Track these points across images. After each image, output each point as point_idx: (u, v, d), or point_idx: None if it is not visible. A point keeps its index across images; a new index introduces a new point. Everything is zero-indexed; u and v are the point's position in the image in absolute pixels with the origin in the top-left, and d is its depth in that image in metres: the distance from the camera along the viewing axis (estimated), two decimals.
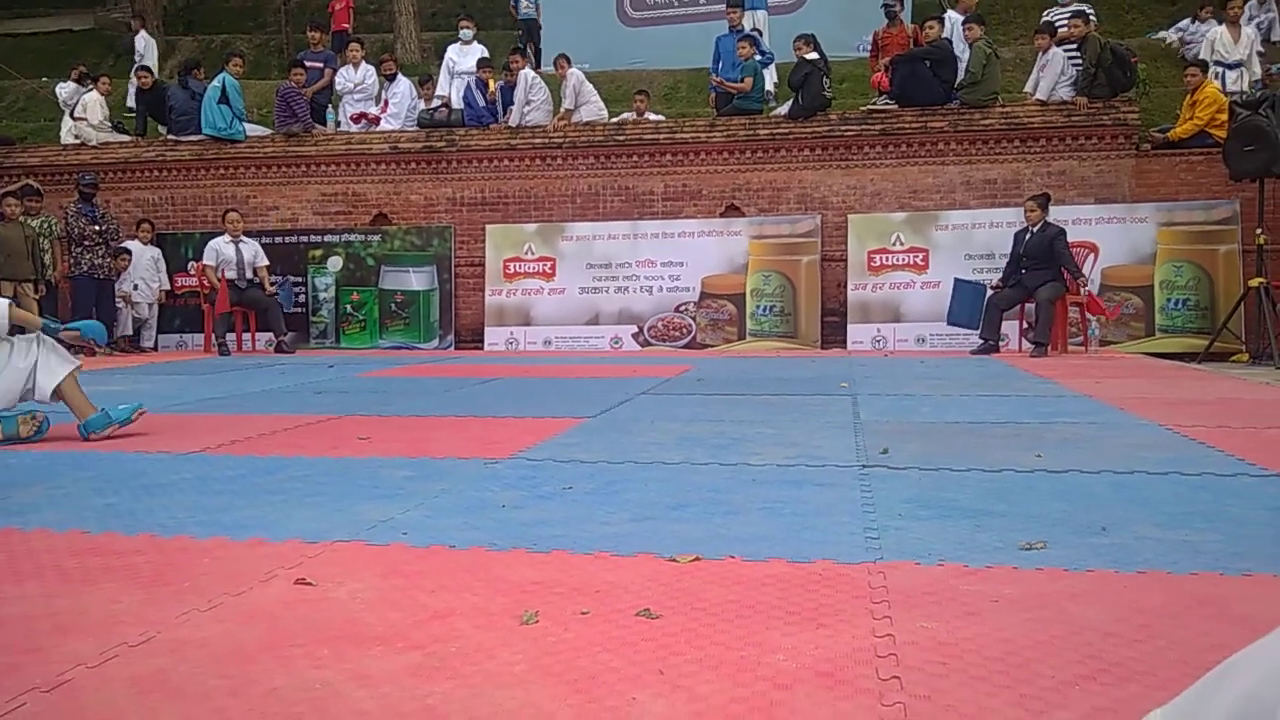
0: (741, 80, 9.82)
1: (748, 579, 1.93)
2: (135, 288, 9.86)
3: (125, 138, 11.20)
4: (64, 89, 12.13)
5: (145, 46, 13.42)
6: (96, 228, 9.40)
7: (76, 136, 11.11)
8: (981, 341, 8.23)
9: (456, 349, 9.95)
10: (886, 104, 9.56)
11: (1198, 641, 1.57)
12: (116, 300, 9.63)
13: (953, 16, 10.21)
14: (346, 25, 13.73)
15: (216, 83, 10.43)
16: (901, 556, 2.07)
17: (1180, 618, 1.70)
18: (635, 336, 9.61)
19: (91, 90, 11.36)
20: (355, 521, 2.43)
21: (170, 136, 10.79)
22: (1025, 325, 8.40)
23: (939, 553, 2.09)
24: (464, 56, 11.06)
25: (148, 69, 11.85)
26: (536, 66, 11.13)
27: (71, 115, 11.32)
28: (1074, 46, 9.26)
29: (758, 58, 10.10)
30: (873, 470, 3.02)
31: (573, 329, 9.70)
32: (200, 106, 10.46)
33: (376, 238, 10.15)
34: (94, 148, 10.87)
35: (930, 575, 1.94)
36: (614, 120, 10.30)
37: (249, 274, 9.48)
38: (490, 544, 2.21)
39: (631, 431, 3.93)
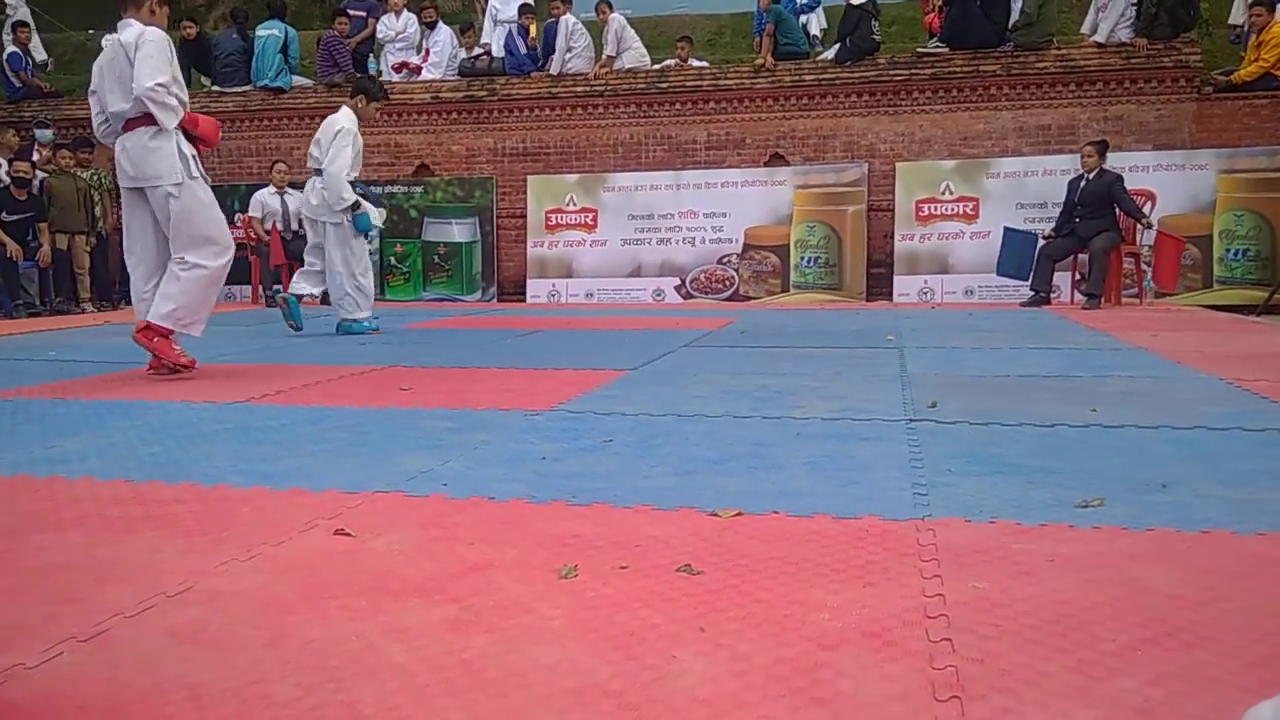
0: (764, 29, 9.57)
1: (792, 535, 1.88)
2: None
3: None
4: (109, 39, 12.18)
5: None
6: None
7: None
8: (1032, 293, 8.03)
9: (499, 301, 9.95)
10: (937, 47, 9.28)
11: (1266, 605, 1.50)
12: None
13: None
14: None
15: (278, 31, 10.39)
16: (951, 513, 2.00)
17: (1247, 579, 1.62)
18: (677, 289, 9.53)
19: None
20: (395, 472, 2.42)
21: (215, 88, 10.81)
22: (1078, 276, 8.18)
23: (990, 509, 2.02)
24: (506, 3, 10.90)
25: (193, 19, 11.84)
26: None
27: None
28: None
29: (803, 0, 9.84)
30: (920, 424, 2.95)
31: (614, 281, 9.64)
32: (250, 56, 10.46)
33: (419, 189, 10.13)
34: None
35: (981, 533, 1.88)
36: (656, 67, 10.13)
37: (294, 225, 9.52)
38: (530, 496, 2.19)
39: (673, 384, 3.88)
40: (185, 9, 15.51)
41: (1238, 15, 9.42)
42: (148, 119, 4.08)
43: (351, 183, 6.06)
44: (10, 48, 11.37)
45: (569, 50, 10.09)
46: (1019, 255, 8.35)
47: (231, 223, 10.29)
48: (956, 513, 2.01)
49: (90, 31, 15.50)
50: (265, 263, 9.51)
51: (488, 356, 5.04)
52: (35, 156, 9.31)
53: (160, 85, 4.01)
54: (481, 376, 4.30)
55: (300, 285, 6.37)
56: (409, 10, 10.93)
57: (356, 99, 6.31)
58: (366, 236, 6.23)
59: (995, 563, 1.71)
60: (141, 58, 3.99)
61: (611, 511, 2.07)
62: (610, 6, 10.39)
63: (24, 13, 13.24)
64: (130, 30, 4.08)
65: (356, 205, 6.04)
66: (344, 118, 6.15)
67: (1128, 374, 4.01)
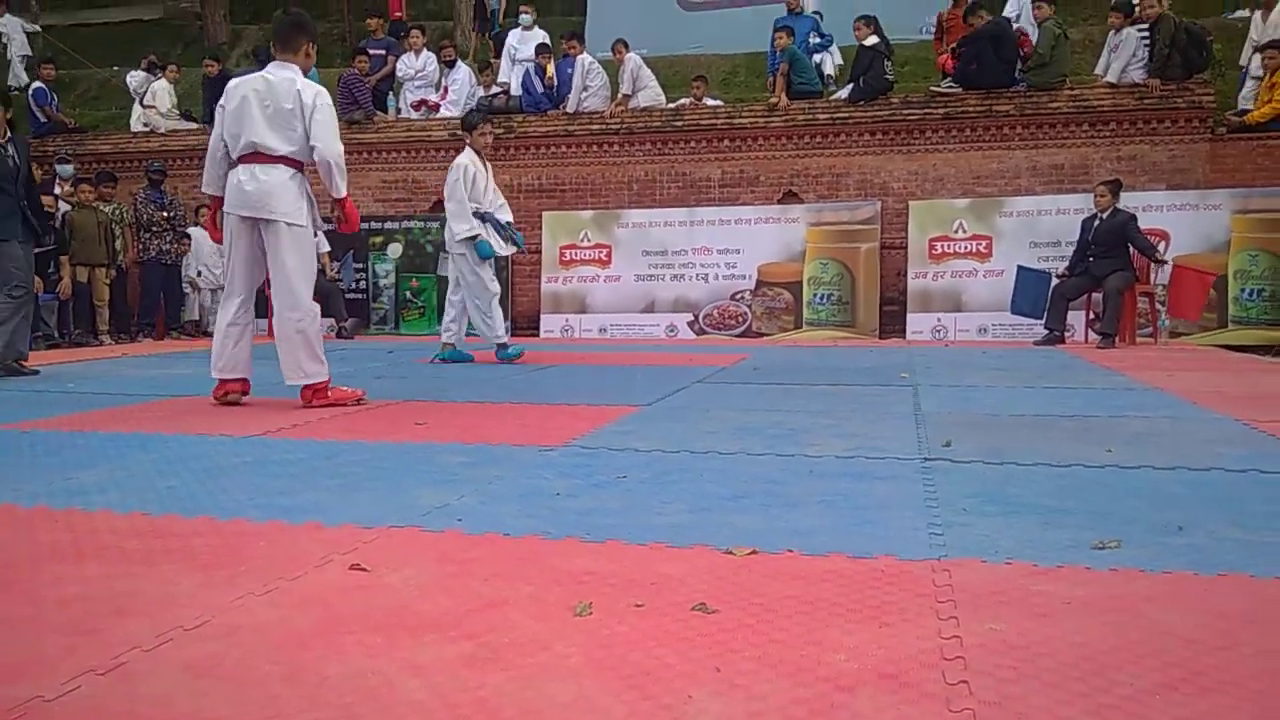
0: (778, 69, 9.67)
1: (807, 574, 1.88)
2: (199, 273, 10.07)
3: (193, 125, 11.43)
4: (134, 78, 12.41)
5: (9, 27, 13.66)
6: (165, 214, 9.61)
7: (146, 124, 11.37)
8: (1046, 332, 8.02)
9: (513, 336, 9.98)
10: (950, 87, 9.35)
11: None
12: (183, 285, 9.85)
13: None
14: (400, 14, 13.88)
15: None
16: (967, 554, 1.99)
17: (1266, 624, 1.60)
18: (691, 325, 9.56)
19: (160, 79, 11.61)
20: (411, 507, 2.43)
21: None
22: (1092, 315, 8.17)
23: (1006, 550, 2.02)
24: (525, 43, 11.06)
25: (217, 58, 12.06)
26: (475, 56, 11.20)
27: (141, 103, 11.59)
28: (1146, 27, 8.95)
29: (816, 40, 9.95)
30: (935, 463, 2.94)
31: (628, 317, 9.68)
32: None
33: (436, 224, 10.22)
34: (162, 135, 11.12)
35: (998, 574, 1.87)
36: (671, 106, 10.23)
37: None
38: (544, 532, 2.19)
39: (687, 420, 3.88)
40: (209, 48, 15.81)
41: (1247, 56, 9.47)
42: (288, 161, 4.20)
43: (478, 213, 6.38)
44: (36, 84, 11.59)
45: (585, 89, 10.22)
46: (1033, 294, 8.35)
47: None
48: (972, 553, 2.00)
49: (114, 68, 15.78)
50: None
51: (502, 391, 5.05)
52: (57, 190, 9.45)
53: (342, 154, 4.24)
54: (496, 411, 4.32)
55: (449, 331, 6.74)
56: (428, 49, 11.10)
57: (465, 136, 6.65)
58: (490, 262, 6.54)
59: (1012, 604, 1.70)
60: (323, 120, 4.18)
61: (626, 548, 2.07)
62: (626, 46, 10.52)
63: (20, 42, 13.57)
64: (302, 82, 4.21)
65: (474, 236, 6.36)
66: (461, 157, 6.50)
67: (1143, 414, 3.99)
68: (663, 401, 4.48)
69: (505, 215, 6.62)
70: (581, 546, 2.09)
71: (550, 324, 9.91)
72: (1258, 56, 9.16)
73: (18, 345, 6.05)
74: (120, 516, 2.37)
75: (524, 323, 10.14)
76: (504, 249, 6.59)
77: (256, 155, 4.21)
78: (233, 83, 4.38)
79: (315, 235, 4.41)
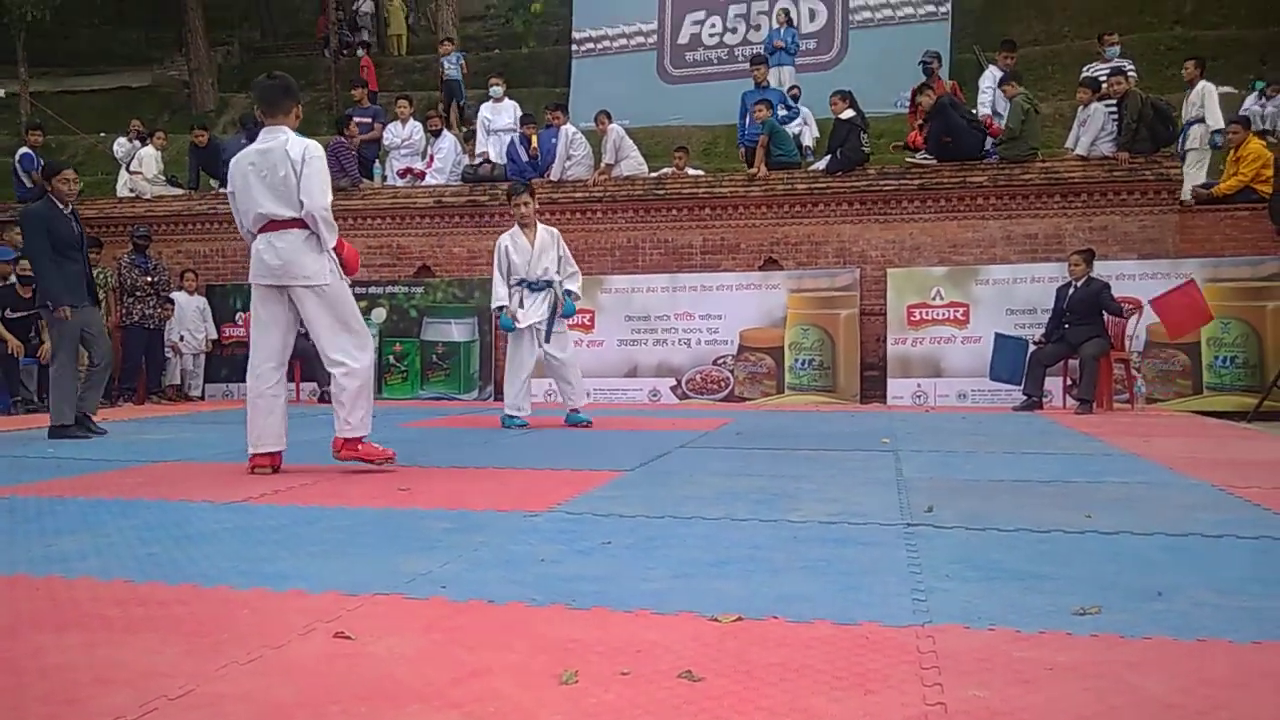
0: (759, 138, 9.89)
1: (792, 640, 1.89)
2: (181, 338, 10.05)
3: (179, 191, 11.51)
4: (120, 145, 12.52)
5: None
6: (149, 278, 9.62)
7: (132, 190, 11.44)
8: (1025, 398, 8.11)
9: (496, 400, 9.98)
10: (925, 159, 9.58)
11: (1266, 715, 1.51)
12: (165, 349, 9.82)
13: (994, 71, 10.27)
14: (373, 86, 14.25)
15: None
16: (950, 619, 2.01)
17: (1246, 689, 1.63)
18: (673, 389, 9.60)
19: (147, 145, 11.72)
20: (395, 574, 2.42)
21: (223, 190, 11.05)
22: (1069, 382, 8.27)
23: (989, 616, 2.03)
24: (497, 114, 11.28)
25: (204, 126, 12.20)
26: (457, 126, 11.42)
27: (128, 169, 11.68)
28: (1114, 102, 9.24)
29: (784, 112, 10.20)
30: (917, 529, 2.97)
31: (611, 381, 9.70)
32: None
33: (419, 289, 10.29)
34: (148, 200, 11.18)
35: (981, 640, 1.89)
36: (654, 175, 10.41)
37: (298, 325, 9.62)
38: (529, 599, 2.19)
39: (670, 485, 3.90)
40: (197, 116, 16.00)
41: (1195, 138, 9.79)
42: (299, 223, 4.23)
43: (523, 282, 6.63)
44: (23, 149, 11.67)
45: (569, 158, 10.39)
46: (1011, 360, 8.45)
47: (233, 320, 10.51)
48: (956, 619, 2.01)
49: (101, 135, 15.93)
50: None
51: (485, 456, 5.05)
52: None
53: (328, 207, 4.25)
54: (479, 476, 4.32)
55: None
56: (414, 119, 11.28)
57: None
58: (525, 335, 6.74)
59: (995, 670, 1.71)
60: (310, 174, 4.19)
61: (611, 615, 2.07)
62: (609, 117, 10.74)
63: None
64: (292, 141, 4.23)
65: (501, 308, 6.70)
66: (504, 234, 6.79)
67: (1121, 480, 4.04)
68: (646, 466, 4.49)
69: (571, 283, 6.74)
70: (567, 613, 2.09)
71: (533, 388, 9.89)
72: (1194, 130, 9.56)
73: (90, 405, 6.24)
74: (102, 584, 2.35)
75: None
76: (515, 323, 6.64)
77: (270, 224, 4.25)
78: (232, 164, 4.40)
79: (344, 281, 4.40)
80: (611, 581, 2.35)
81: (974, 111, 9.81)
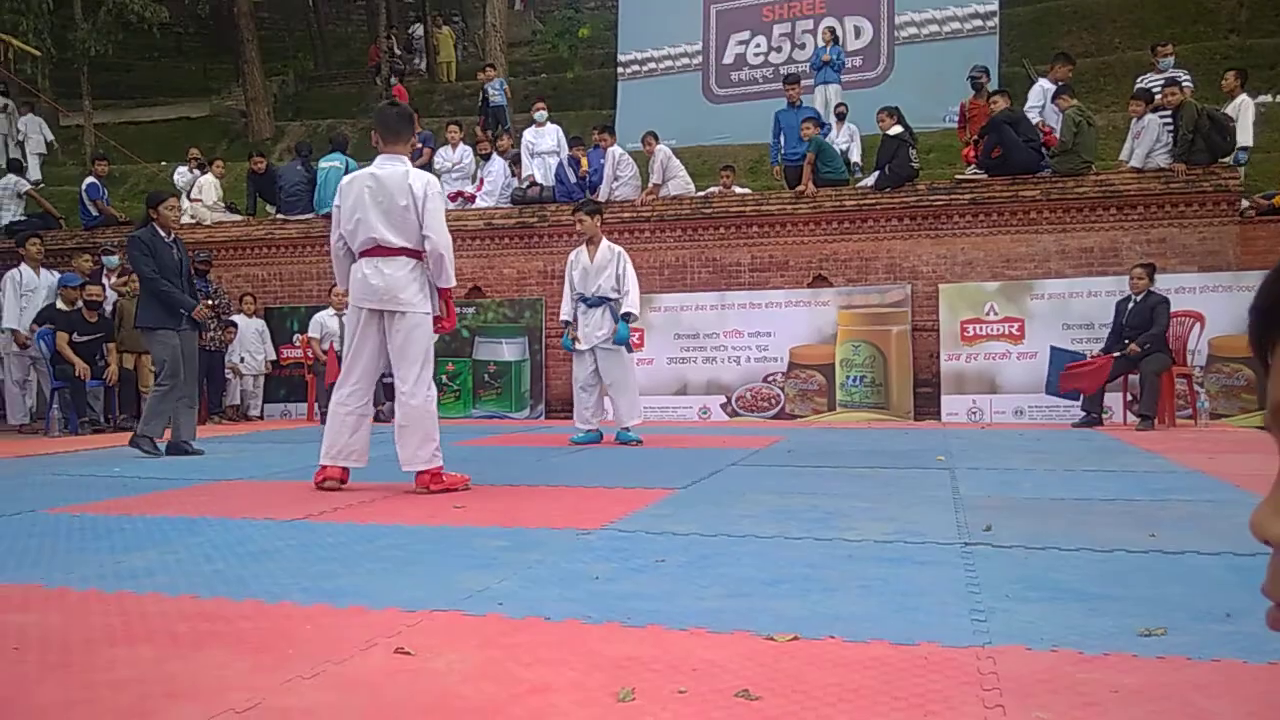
0: (806, 155, 9.87)
1: (849, 660, 1.88)
2: (242, 359, 10.28)
3: (237, 217, 11.80)
4: (181, 173, 12.87)
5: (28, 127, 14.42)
6: (210, 302, 9.86)
7: (192, 217, 11.74)
8: (1084, 414, 7.96)
9: (547, 418, 10.05)
10: (975, 173, 9.49)
11: None
12: (225, 371, 10.04)
13: (1044, 85, 10.15)
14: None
15: (339, 163, 10.91)
16: (1011, 640, 1.98)
17: None
18: (723, 407, 9.58)
19: (206, 173, 12.04)
20: (452, 591, 2.45)
21: (279, 215, 11.33)
22: (1130, 397, 8.10)
23: (1051, 637, 2.00)
24: (540, 137, 11.41)
25: (261, 154, 12.50)
26: (502, 151, 11.52)
27: (188, 196, 12.00)
28: (1169, 113, 9.07)
29: (820, 130, 10.18)
30: (976, 548, 2.93)
31: (661, 399, 9.72)
32: (313, 186, 10.97)
33: (471, 310, 10.41)
34: (208, 227, 11.47)
35: (1043, 661, 1.86)
36: (701, 194, 10.44)
37: None
38: (585, 616, 2.20)
39: (723, 503, 3.89)
40: (253, 144, 16.41)
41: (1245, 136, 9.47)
42: (408, 252, 4.33)
43: (583, 299, 6.85)
44: (89, 179, 12.05)
45: (616, 179, 10.47)
46: None
47: (290, 342, 10.72)
48: (1016, 640, 1.99)
49: (162, 164, 16.40)
50: (321, 381, 9.74)
51: (537, 474, 5.09)
52: (105, 281, 9.75)
53: (450, 245, 4.37)
54: (532, 494, 4.35)
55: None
56: (464, 143, 11.46)
57: None
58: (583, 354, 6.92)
59: (1059, 693, 1.68)
60: (434, 210, 4.31)
61: (666, 633, 2.08)
62: (656, 138, 10.81)
63: (37, 140, 14.30)
64: (413, 173, 4.34)
65: (565, 324, 6.98)
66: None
67: (1186, 498, 3.95)
68: (698, 484, 4.49)
69: (625, 303, 6.75)
70: (622, 631, 2.10)
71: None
72: None
73: (186, 432, 6.42)
74: (170, 599, 2.41)
75: (558, 405, 10.20)
76: (585, 344, 6.81)
77: (377, 249, 4.32)
78: (345, 180, 4.51)
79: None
80: (666, 599, 2.36)
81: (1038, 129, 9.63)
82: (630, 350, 6.95)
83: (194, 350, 6.55)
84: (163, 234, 6.38)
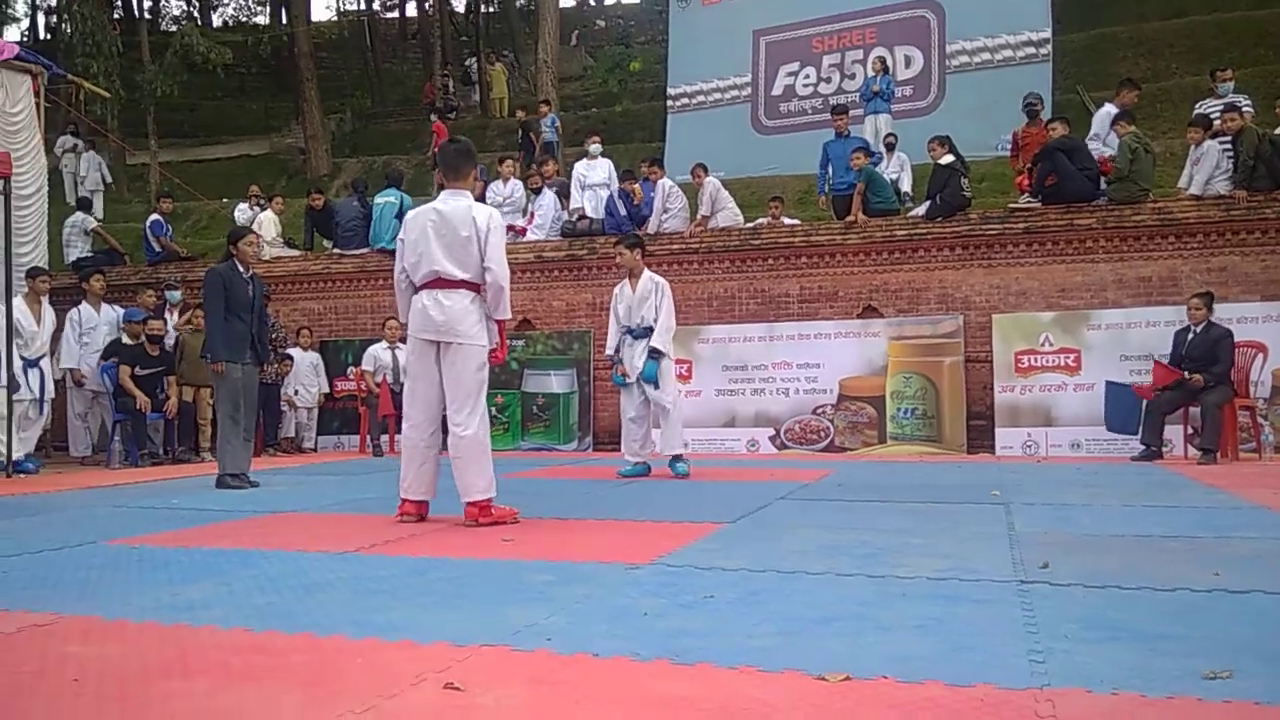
0: (856, 185, 9.84)
1: (903, 702, 1.84)
2: (296, 392, 10.46)
3: (295, 252, 12.06)
4: (241, 209, 13.21)
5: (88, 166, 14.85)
6: (268, 335, 10.07)
7: None
8: (1143, 448, 7.76)
9: (594, 450, 10.07)
10: (1029, 202, 9.37)
11: None
12: (281, 403, 10.23)
13: (1109, 109, 9.98)
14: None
15: (394, 198, 11.13)
16: (1070, 683, 1.93)
17: None
18: (772, 439, 9.52)
19: (266, 209, 12.35)
20: (501, 626, 2.46)
21: (335, 250, 11.56)
22: (1190, 430, 7.89)
23: (1112, 680, 1.94)
24: (592, 170, 11.53)
25: (319, 190, 12.78)
26: (548, 177, 11.64)
27: None
28: (1229, 139, 8.90)
29: (870, 160, 10.15)
30: (1033, 586, 2.86)
31: (709, 431, 9.68)
32: (369, 221, 11.20)
33: (520, 342, 10.50)
34: (267, 261, 11.72)
35: (1104, 705, 1.81)
36: (749, 225, 10.45)
37: (403, 378, 9.92)
38: (634, 653, 2.19)
39: (772, 538, 3.85)
40: (311, 180, 16.81)
41: None
42: (468, 284, 4.41)
43: (629, 330, 6.93)
44: (154, 216, 12.42)
45: (666, 210, 10.53)
46: (1125, 409, 8.12)
47: (344, 375, 10.89)
48: (1076, 682, 1.93)
49: (223, 200, 16.85)
50: (374, 414, 9.88)
51: (585, 507, 5.09)
52: (167, 316, 10.02)
53: (508, 278, 4.45)
54: (580, 528, 4.35)
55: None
56: (515, 177, 11.62)
57: None
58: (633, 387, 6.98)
59: None
60: (496, 243, 4.41)
61: (716, 672, 2.06)
62: (705, 170, 10.86)
63: (94, 179, 14.79)
64: (476, 207, 4.44)
65: (611, 359, 7.11)
66: None
67: (1251, 534, 3.83)
68: (747, 518, 4.46)
69: (655, 339, 6.75)
70: (672, 669, 2.08)
71: None
72: None
73: (241, 460, 6.52)
74: (224, 632, 2.45)
75: (606, 437, 10.21)
76: (630, 378, 6.88)
77: (439, 281, 4.40)
78: (410, 214, 4.62)
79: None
80: (715, 636, 2.34)
81: (1094, 156, 9.48)
82: (623, 383, 6.95)
83: (254, 384, 6.68)
84: (240, 269, 6.56)
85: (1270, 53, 15.32)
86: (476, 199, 4.66)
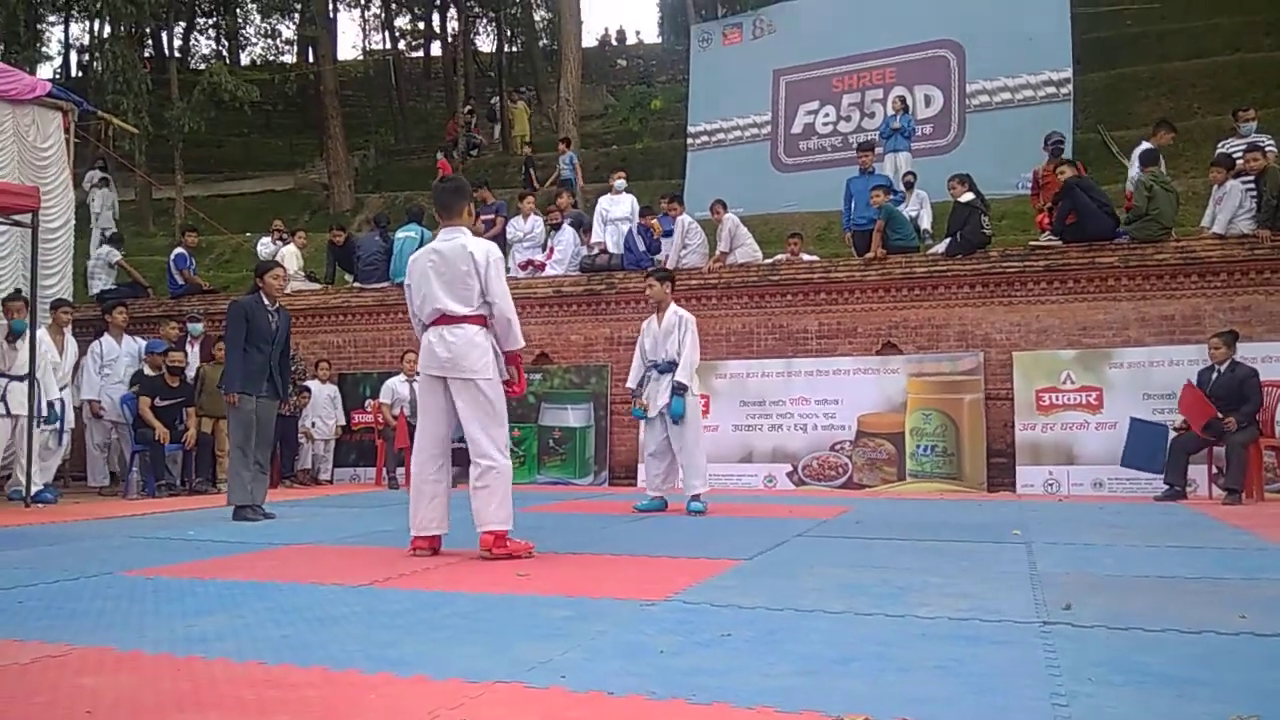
0: (876, 222, 9.85)
1: None
2: (313, 424, 10.50)
3: (316, 286, 12.17)
4: (264, 243, 13.36)
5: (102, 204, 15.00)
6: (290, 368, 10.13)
7: None
8: (1166, 487, 7.66)
9: (610, 485, 10.03)
10: (1050, 240, 9.35)
11: None
12: (298, 435, 10.26)
13: (1145, 146, 9.95)
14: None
15: (415, 233, 11.22)
16: None
17: None
18: (790, 475, 9.45)
19: (288, 244, 12.49)
20: (515, 662, 2.43)
21: (357, 284, 11.65)
22: (1215, 470, 7.78)
23: None
24: (615, 205, 11.61)
25: (341, 226, 12.92)
26: (563, 209, 11.70)
27: None
28: (1251, 179, 8.85)
29: (892, 198, 10.16)
30: (1055, 627, 2.81)
31: (726, 467, 9.63)
32: (390, 255, 11.30)
33: (538, 376, 10.51)
34: (288, 295, 11.83)
35: None
36: (768, 261, 10.46)
37: None
38: (649, 692, 2.16)
39: (790, 576, 3.81)
40: (334, 215, 17.01)
41: None
42: (472, 319, 4.46)
43: (655, 365, 6.95)
44: (178, 249, 12.57)
45: (685, 246, 10.57)
46: (1148, 447, 8.03)
47: (361, 407, 10.92)
48: None
49: (247, 235, 17.06)
50: (390, 445, 9.89)
51: (601, 542, 5.06)
52: (189, 348, 10.11)
53: (513, 309, 4.51)
54: (595, 563, 4.32)
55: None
56: (535, 213, 11.71)
57: None
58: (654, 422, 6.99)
59: None
60: (496, 276, 4.47)
61: (733, 712, 2.02)
62: (724, 207, 10.91)
63: (106, 217, 14.94)
64: (471, 242, 4.47)
65: (632, 392, 7.17)
66: None
67: (1278, 576, 3.75)
68: (764, 555, 4.42)
69: (679, 373, 6.73)
70: (688, 709, 2.05)
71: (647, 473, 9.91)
72: None
73: (258, 496, 6.56)
74: (237, 665, 2.44)
75: (622, 472, 10.18)
76: (651, 412, 6.88)
77: (443, 318, 4.45)
78: (411, 258, 4.68)
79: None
80: (732, 676, 2.31)
81: (1106, 193, 9.50)
82: (642, 415, 6.98)
83: (270, 417, 6.71)
84: (265, 302, 6.63)
85: None
86: (495, 235, 4.72)
